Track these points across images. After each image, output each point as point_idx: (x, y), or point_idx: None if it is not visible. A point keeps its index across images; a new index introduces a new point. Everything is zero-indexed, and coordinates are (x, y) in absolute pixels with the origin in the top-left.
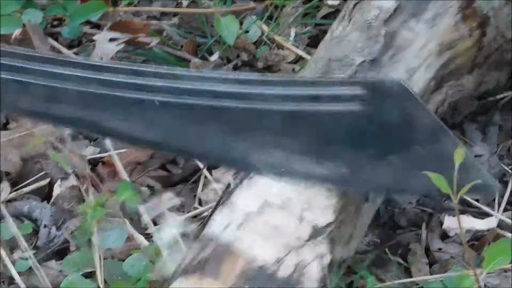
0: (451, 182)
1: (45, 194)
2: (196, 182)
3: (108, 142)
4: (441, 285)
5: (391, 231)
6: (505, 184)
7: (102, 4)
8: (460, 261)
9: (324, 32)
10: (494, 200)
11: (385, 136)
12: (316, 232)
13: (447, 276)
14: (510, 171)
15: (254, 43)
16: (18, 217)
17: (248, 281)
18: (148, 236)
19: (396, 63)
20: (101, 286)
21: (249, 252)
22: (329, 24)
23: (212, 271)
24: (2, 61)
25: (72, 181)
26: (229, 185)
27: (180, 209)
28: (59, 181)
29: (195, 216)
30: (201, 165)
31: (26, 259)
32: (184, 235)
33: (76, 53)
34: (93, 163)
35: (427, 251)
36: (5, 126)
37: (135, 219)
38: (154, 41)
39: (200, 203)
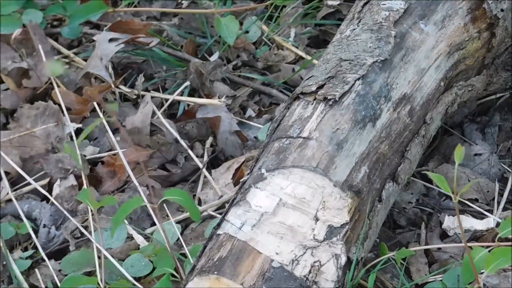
0: None
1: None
2: (196, 182)
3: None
4: (440, 285)
5: (391, 230)
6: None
7: (102, 5)
8: (459, 261)
9: (324, 33)
10: (493, 199)
11: None
12: (331, 233)
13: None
14: (510, 170)
15: (254, 43)
16: (18, 216)
17: (266, 281)
18: (148, 236)
19: (407, 64)
20: (101, 286)
21: (265, 252)
22: (329, 24)
23: (230, 271)
24: None
25: (72, 180)
26: (242, 184)
27: (180, 208)
28: (58, 180)
29: None
30: (200, 165)
31: (26, 258)
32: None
33: (76, 53)
34: (93, 163)
35: (427, 250)
36: (5, 126)
37: (134, 219)
38: (154, 42)
39: (199, 203)
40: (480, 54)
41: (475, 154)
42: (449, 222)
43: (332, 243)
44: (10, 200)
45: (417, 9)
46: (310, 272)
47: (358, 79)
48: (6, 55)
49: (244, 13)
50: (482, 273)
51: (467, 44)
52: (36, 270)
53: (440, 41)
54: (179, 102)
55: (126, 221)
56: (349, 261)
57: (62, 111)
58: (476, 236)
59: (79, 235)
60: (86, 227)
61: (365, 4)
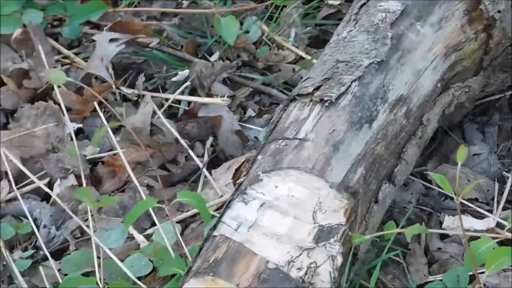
0: None
1: (44, 194)
2: (196, 181)
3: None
4: (440, 285)
5: None
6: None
7: (102, 5)
8: (459, 261)
9: (325, 33)
10: (493, 199)
11: None
12: (327, 234)
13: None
14: (510, 170)
15: (254, 43)
16: (18, 216)
17: (262, 282)
18: (148, 236)
19: (403, 65)
20: (100, 286)
21: (261, 253)
22: (330, 24)
23: (226, 273)
24: None
25: (72, 180)
26: (238, 186)
27: (179, 208)
28: (58, 180)
29: (194, 215)
30: (200, 165)
31: (26, 258)
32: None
33: (76, 54)
34: (93, 163)
35: (427, 250)
36: (5, 126)
37: None
38: (154, 42)
39: None
40: (477, 55)
41: (474, 154)
42: (449, 222)
43: (328, 244)
44: (10, 200)
45: (413, 10)
46: (306, 273)
47: (355, 80)
48: (6, 56)
49: (244, 13)
50: (483, 272)
51: (464, 46)
52: (40, 268)
53: (436, 43)
54: (179, 102)
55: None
56: (345, 262)
57: (62, 111)
58: (476, 236)
59: (79, 235)
60: (86, 227)
61: (362, 5)
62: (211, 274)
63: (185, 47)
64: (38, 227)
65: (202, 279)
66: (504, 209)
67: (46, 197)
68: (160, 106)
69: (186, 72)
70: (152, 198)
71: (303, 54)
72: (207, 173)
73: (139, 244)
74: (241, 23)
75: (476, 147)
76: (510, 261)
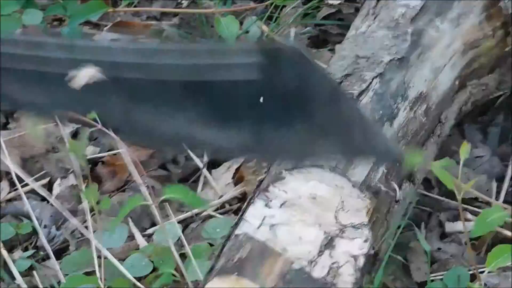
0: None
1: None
2: (196, 181)
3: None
4: (441, 285)
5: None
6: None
7: (102, 4)
8: (459, 261)
9: (324, 33)
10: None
11: (286, 103)
12: (350, 233)
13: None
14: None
15: None
16: (18, 216)
17: (286, 283)
18: (148, 236)
19: (423, 62)
20: (101, 286)
21: (285, 253)
22: (329, 24)
23: (251, 272)
24: None
25: (72, 180)
26: (259, 184)
27: (180, 208)
28: (58, 180)
29: (195, 215)
30: (200, 165)
31: (26, 258)
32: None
33: None
34: (93, 163)
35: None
36: (5, 126)
37: (135, 219)
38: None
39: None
40: (494, 52)
41: (477, 157)
42: (449, 227)
43: (350, 243)
44: (10, 200)
45: (433, 6)
46: (328, 273)
47: (376, 77)
48: None
49: (244, 13)
50: (483, 271)
51: (481, 42)
52: (40, 268)
53: (455, 39)
54: None
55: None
56: (367, 262)
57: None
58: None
59: (80, 235)
60: (86, 227)
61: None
62: (236, 273)
63: None
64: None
65: (226, 278)
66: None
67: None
68: None
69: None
70: (140, 196)
71: None
72: (207, 173)
73: (139, 244)
74: (241, 23)
75: (479, 150)
76: (510, 259)
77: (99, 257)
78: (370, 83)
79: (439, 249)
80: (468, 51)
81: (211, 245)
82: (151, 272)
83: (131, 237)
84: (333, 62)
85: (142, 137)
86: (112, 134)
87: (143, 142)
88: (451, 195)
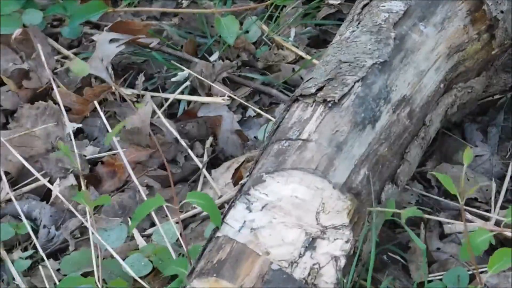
0: None
1: (44, 194)
2: (196, 181)
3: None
4: (441, 285)
5: (391, 230)
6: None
7: (102, 5)
8: (458, 261)
9: (324, 33)
10: (492, 198)
11: None
12: (331, 234)
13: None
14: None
15: (254, 43)
16: (17, 216)
17: (265, 283)
18: (148, 236)
19: (406, 65)
20: (99, 286)
21: (265, 254)
22: (329, 24)
23: (229, 274)
24: None
25: (71, 180)
26: (241, 187)
27: (180, 208)
28: (58, 180)
29: (194, 216)
30: (200, 165)
31: (26, 258)
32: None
33: (76, 54)
34: (93, 163)
35: (426, 250)
36: (5, 126)
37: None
38: (154, 42)
39: None
40: (480, 55)
41: (476, 156)
42: (447, 229)
43: (331, 245)
44: (10, 200)
45: (416, 10)
46: (309, 274)
47: (358, 81)
48: (6, 57)
49: (244, 13)
50: (484, 271)
51: (466, 46)
52: (40, 268)
53: (439, 43)
54: (179, 101)
55: (129, 221)
56: (348, 263)
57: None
58: None
59: (79, 235)
60: (85, 227)
61: (364, 6)
62: (214, 275)
63: (185, 47)
64: (38, 227)
65: (205, 280)
66: (502, 208)
67: (46, 197)
68: (160, 106)
69: (185, 72)
70: (161, 197)
71: (303, 54)
72: (206, 173)
73: (138, 244)
74: (241, 23)
75: (478, 149)
76: (510, 262)
77: (97, 256)
78: (352, 86)
79: (438, 249)
80: (453, 55)
81: None
82: (150, 272)
83: (131, 237)
84: (317, 68)
85: None
86: None
87: None
88: (450, 195)
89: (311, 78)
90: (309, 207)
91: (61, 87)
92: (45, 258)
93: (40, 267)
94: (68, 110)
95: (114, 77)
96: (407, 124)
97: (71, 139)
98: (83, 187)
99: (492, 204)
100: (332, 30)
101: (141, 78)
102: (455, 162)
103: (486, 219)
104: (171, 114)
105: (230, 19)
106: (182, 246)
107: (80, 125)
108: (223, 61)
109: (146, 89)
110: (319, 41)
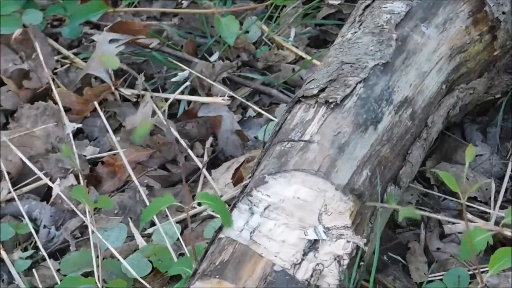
0: None
1: (44, 194)
2: (196, 181)
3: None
4: (441, 285)
5: (391, 230)
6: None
7: (102, 5)
8: (458, 260)
9: (325, 33)
10: (491, 198)
11: None
12: (333, 236)
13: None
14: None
15: (254, 43)
16: (18, 216)
17: (268, 285)
18: (148, 236)
19: (408, 67)
20: (99, 286)
21: (267, 256)
22: (330, 24)
23: (232, 275)
24: None
25: (71, 180)
26: (244, 188)
27: (179, 209)
28: (58, 180)
29: (194, 216)
30: (200, 165)
31: (26, 258)
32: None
33: (76, 54)
34: (93, 163)
35: (426, 250)
36: (5, 126)
37: (134, 219)
38: (154, 43)
39: (199, 203)
40: (482, 56)
41: (477, 155)
42: (447, 230)
43: (334, 246)
44: (10, 200)
45: (418, 12)
46: (312, 275)
47: (360, 82)
48: (7, 57)
49: (244, 13)
50: (485, 271)
51: (468, 47)
52: (40, 268)
53: (441, 44)
54: (179, 102)
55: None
56: (351, 264)
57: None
58: None
59: (79, 235)
60: (85, 227)
61: (366, 7)
62: (217, 276)
63: (185, 47)
64: (38, 227)
65: (208, 281)
66: (501, 207)
67: (46, 197)
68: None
69: (186, 73)
70: (170, 196)
71: (303, 54)
72: (206, 173)
73: (138, 244)
74: (241, 23)
75: (478, 148)
76: (510, 262)
77: (97, 257)
78: (354, 88)
79: (438, 249)
80: (455, 56)
81: None
82: (150, 272)
83: (131, 237)
84: (319, 69)
85: None
86: (112, 135)
87: None
88: (450, 194)
89: (313, 80)
90: (312, 208)
91: (61, 87)
92: (47, 257)
93: (40, 267)
94: (68, 110)
95: (114, 77)
96: (409, 125)
97: (71, 139)
98: (83, 187)
99: (492, 203)
100: (332, 30)
101: (141, 78)
102: (455, 161)
103: (486, 218)
104: (171, 114)
105: (230, 19)
106: (182, 246)
107: (80, 125)
108: (223, 61)
109: (146, 89)
110: (319, 41)
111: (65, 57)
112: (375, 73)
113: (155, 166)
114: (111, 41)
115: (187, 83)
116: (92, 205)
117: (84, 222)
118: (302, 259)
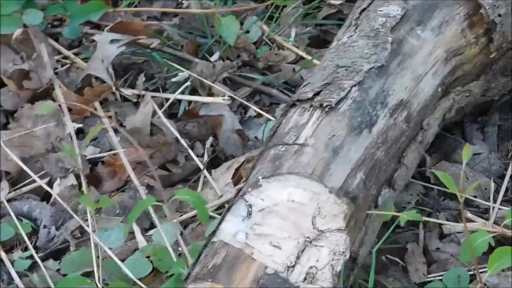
0: None
1: (44, 194)
2: (196, 182)
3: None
4: (441, 285)
5: (392, 232)
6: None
7: (103, 5)
8: (458, 260)
9: (325, 33)
10: (491, 197)
11: None
12: (327, 239)
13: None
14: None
15: (255, 43)
16: (18, 216)
17: (261, 287)
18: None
19: (404, 70)
20: (99, 286)
21: (260, 259)
22: (330, 24)
23: (224, 278)
24: None
25: (72, 180)
26: (238, 191)
27: (179, 209)
28: (58, 180)
29: (194, 216)
30: (200, 165)
31: (25, 258)
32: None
33: (76, 54)
34: (93, 163)
35: (425, 250)
36: (5, 126)
37: None
38: (154, 43)
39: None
40: (478, 59)
41: (475, 154)
42: (446, 230)
43: (328, 249)
44: (10, 200)
45: (414, 15)
46: (305, 278)
47: (355, 85)
48: (7, 57)
49: (245, 13)
50: (484, 272)
51: (464, 50)
52: (40, 268)
53: (437, 47)
54: (179, 101)
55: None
56: (345, 267)
57: (63, 111)
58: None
59: (79, 235)
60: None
61: (362, 10)
62: (210, 279)
63: (186, 47)
64: (38, 227)
65: (201, 285)
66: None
67: (46, 197)
68: (161, 106)
69: (186, 73)
70: (151, 197)
71: (303, 54)
72: (207, 173)
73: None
74: (242, 23)
75: (476, 147)
76: (510, 262)
77: (98, 257)
78: (349, 91)
79: (438, 249)
80: (451, 59)
81: None
82: (150, 272)
83: (131, 237)
84: (315, 72)
85: None
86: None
87: None
88: (450, 195)
89: (308, 83)
90: (306, 211)
91: (61, 87)
92: (39, 261)
93: (40, 267)
94: (68, 110)
95: (114, 77)
96: (404, 128)
97: (71, 139)
98: (84, 187)
99: (491, 203)
100: (333, 30)
101: (142, 78)
102: (455, 161)
103: (486, 218)
104: (171, 114)
105: (231, 19)
106: (181, 246)
107: (80, 125)
108: (223, 61)
109: (146, 89)
110: (319, 41)
111: (66, 57)
112: (370, 76)
113: (156, 166)
114: (111, 41)
115: (188, 83)
116: (93, 206)
117: (85, 221)
118: (296, 262)
